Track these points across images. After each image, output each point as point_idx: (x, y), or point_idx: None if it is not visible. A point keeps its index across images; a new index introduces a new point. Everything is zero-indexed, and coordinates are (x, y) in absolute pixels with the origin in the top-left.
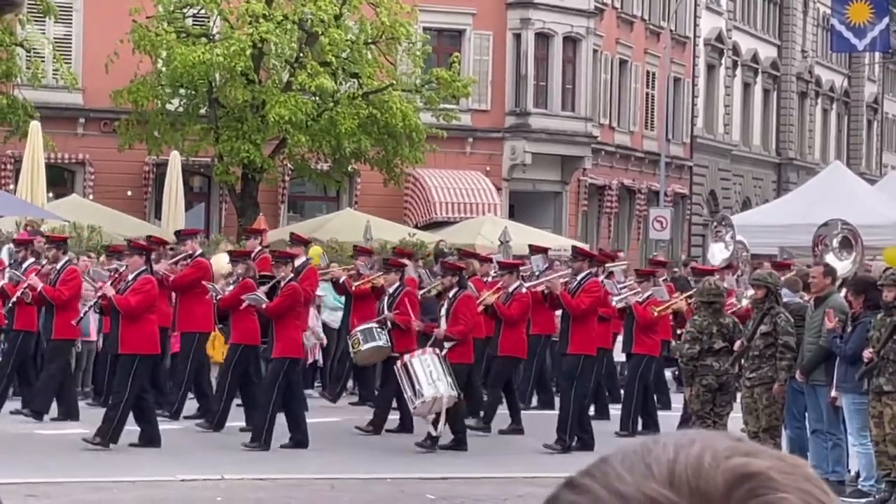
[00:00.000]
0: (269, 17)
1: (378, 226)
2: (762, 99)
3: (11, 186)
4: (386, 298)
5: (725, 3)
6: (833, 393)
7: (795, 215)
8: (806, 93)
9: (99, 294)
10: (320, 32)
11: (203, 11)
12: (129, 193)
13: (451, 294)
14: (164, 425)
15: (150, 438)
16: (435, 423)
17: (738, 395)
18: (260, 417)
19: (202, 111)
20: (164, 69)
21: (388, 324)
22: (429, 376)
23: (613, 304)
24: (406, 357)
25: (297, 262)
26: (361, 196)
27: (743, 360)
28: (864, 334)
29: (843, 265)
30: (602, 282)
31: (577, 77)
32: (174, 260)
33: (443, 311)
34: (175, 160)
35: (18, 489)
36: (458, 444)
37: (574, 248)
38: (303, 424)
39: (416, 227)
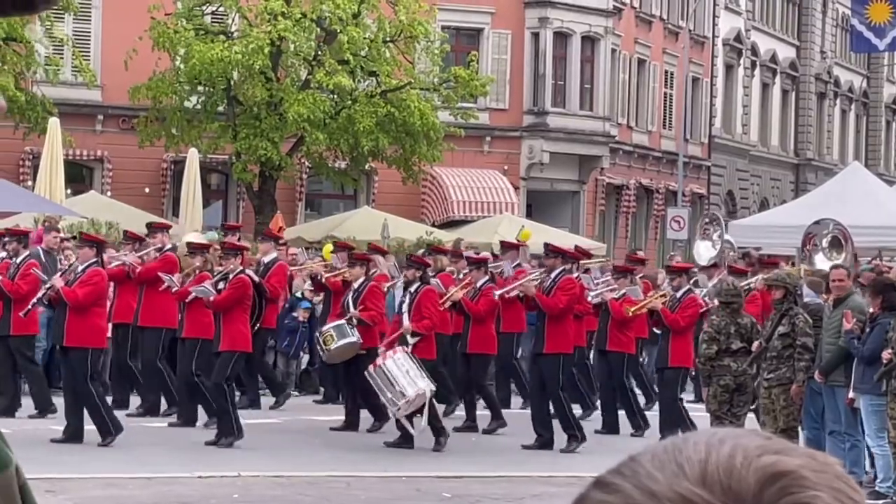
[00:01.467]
0: (287, 14)
1: (395, 224)
2: (780, 99)
3: (30, 183)
4: (351, 293)
5: (744, 3)
6: (851, 394)
7: (814, 216)
8: (825, 93)
9: (48, 285)
10: (339, 30)
11: (222, 9)
12: (147, 190)
13: (412, 289)
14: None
15: (74, 433)
16: (410, 419)
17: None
18: (224, 418)
19: (220, 109)
20: (182, 66)
21: (354, 321)
22: (406, 375)
23: (589, 299)
24: (378, 360)
25: (267, 259)
26: (379, 194)
27: (761, 361)
28: (883, 335)
29: (832, 265)
30: (578, 277)
31: (595, 76)
32: (142, 253)
33: (405, 307)
34: (193, 157)
35: (37, 484)
36: (441, 432)
37: (546, 244)
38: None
39: (433, 225)
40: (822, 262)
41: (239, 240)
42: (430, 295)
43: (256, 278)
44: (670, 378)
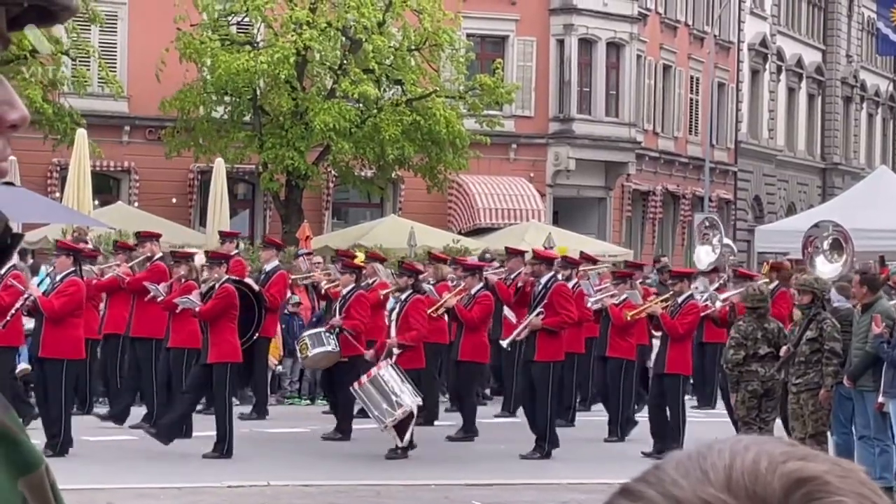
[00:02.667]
0: (312, 24)
1: (422, 232)
2: (807, 104)
3: (58, 194)
4: (338, 301)
5: (770, 8)
6: (880, 399)
7: (841, 220)
8: (851, 97)
9: (26, 295)
10: (364, 39)
11: (247, 19)
12: (174, 201)
13: (403, 297)
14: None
15: (59, 446)
16: (400, 433)
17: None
18: (220, 427)
19: (247, 118)
20: (208, 77)
21: (337, 329)
22: (391, 393)
23: (589, 305)
24: (363, 379)
25: (268, 267)
26: (405, 203)
27: (789, 366)
28: None
29: (833, 267)
30: (577, 284)
31: (620, 82)
32: (132, 263)
33: (393, 316)
34: (220, 167)
35: (66, 496)
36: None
37: (533, 250)
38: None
39: (459, 233)
40: (822, 265)
41: (237, 247)
42: (419, 304)
43: (256, 287)
44: (668, 385)
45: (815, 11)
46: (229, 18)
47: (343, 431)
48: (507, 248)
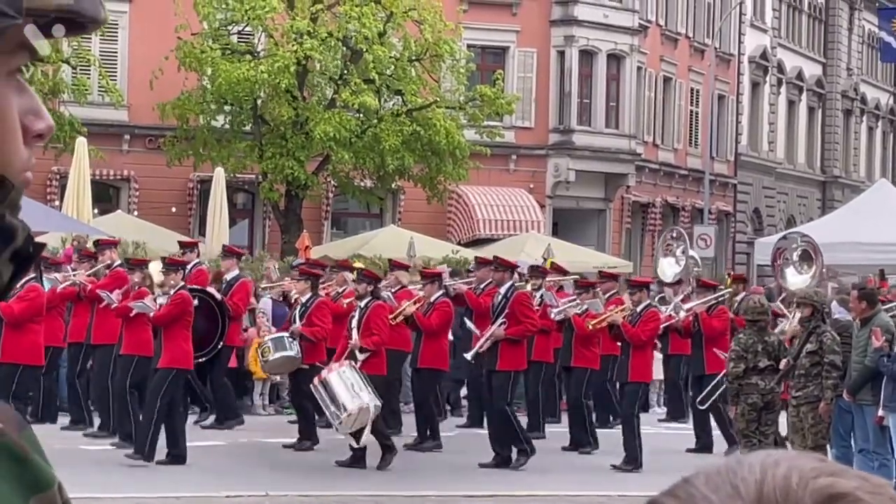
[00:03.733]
0: (313, 34)
1: (421, 243)
2: (807, 116)
3: (57, 203)
4: (298, 308)
5: (770, 21)
6: (880, 412)
7: (841, 233)
8: (851, 110)
9: None
10: (364, 50)
11: (248, 28)
12: (174, 210)
13: (363, 304)
14: (211, 441)
15: None
16: (356, 436)
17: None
18: (143, 429)
19: (247, 128)
20: (209, 86)
21: (297, 335)
22: (350, 389)
23: (552, 316)
24: (323, 373)
25: (230, 276)
26: (405, 213)
27: (789, 379)
28: None
29: (802, 279)
30: (541, 294)
31: (620, 94)
32: (91, 271)
33: (354, 322)
34: (219, 177)
35: None
36: (389, 449)
37: (495, 257)
38: (181, 440)
39: (459, 243)
40: (792, 276)
41: (198, 256)
42: (380, 310)
43: (218, 296)
44: (630, 393)
45: (815, 24)
46: (230, 28)
47: (307, 439)
48: (495, 258)
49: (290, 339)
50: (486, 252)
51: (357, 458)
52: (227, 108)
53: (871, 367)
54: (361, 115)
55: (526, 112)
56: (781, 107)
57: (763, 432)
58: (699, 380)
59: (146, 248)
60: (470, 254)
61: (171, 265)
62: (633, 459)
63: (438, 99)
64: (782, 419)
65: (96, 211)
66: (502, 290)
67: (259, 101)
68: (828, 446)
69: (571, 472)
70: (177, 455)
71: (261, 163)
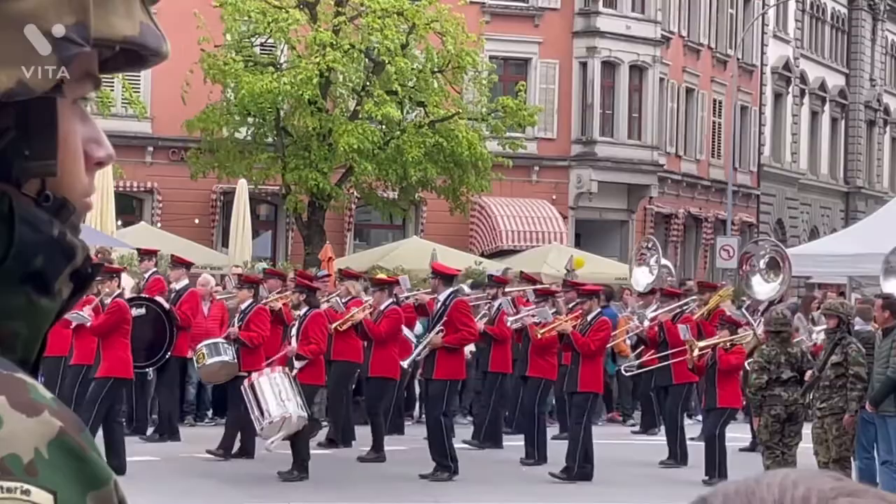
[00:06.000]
0: (335, 46)
1: (444, 254)
2: (830, 127)
3: None
4: (237, 315)
5: (793, 32)
6: None
7: (864, 244)
8: (874, 121)
9: None
10: (387, 61)
11: (270, 40)
12: (197, 221)
13: (301, 312)
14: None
15: None
16: (293, 446)
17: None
18: None
19: (269, 139)
20: (232, 98)
21: (233, 340)
22: (277, 396)
23: (508, 325)
24: (253, 376)
25: (178, 286)
26: (427, 224)
27: (813, 391)
28: None
29: (770, 287)
30: (499, 303)
31: (643, 105)
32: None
33: (293, 331)
34: (242, 188)
35: None
36: (301, 468)
37: (431, 265)
38: (122, 451)
39: (482, 255)
40: (759, 284)
41: (156, 265)
42: (318, 319)
43: (167, 305)
44: (579, 403)
45: (838, 35)
46: (253, 40)
47: (225, 449)
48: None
49: (226, 345)
50: (509, 264)
51: (300, 467)
52: (250, 119)
53: (893, 377)
54: (384, 127)
55: (548, 123)
56: (804, 117)
57: (786, 444)
58: (665, 390)
59: (169, 260)
60: (493, 265)
61: (106, 272)
62: (569, 469)
63: (461, 110)
64: (806, 430)
65: (120, 223)
66: (441, 297)
67: (282, 113)
68: (852, 458)
69: (524, 482)
70: (116, 466)
71: (284, 174)
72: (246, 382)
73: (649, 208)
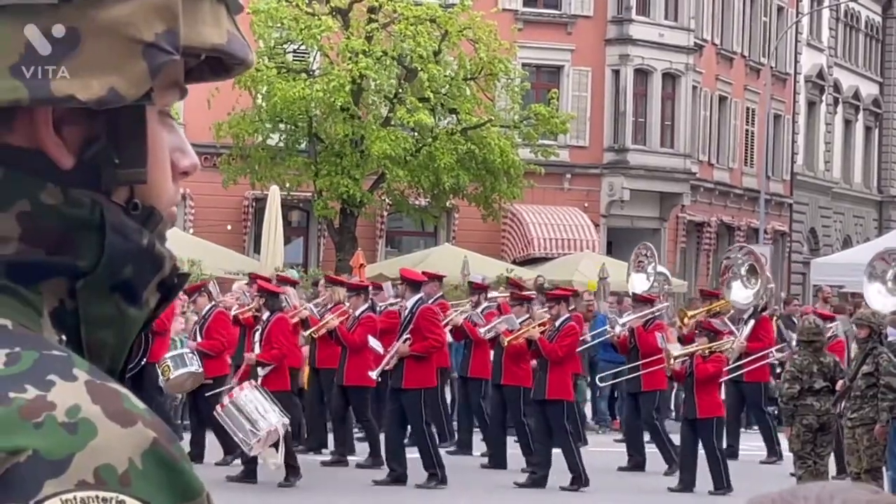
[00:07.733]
0: (368, 53)
1: (476, 261)
2: (863, 136)
3: None
4: (198, 322)
5: (826, 40)
6: None
7: None
8: None
9: None
10: (419, 68)
11: (303, 47)
12: (229, 228)
13: (264, 317)
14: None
15: None
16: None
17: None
18: None
19: (301, 146)
20: (264, 104)
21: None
22: (255, 411)
23: (481, 333)
24: (225, 400)
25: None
26: (459, 231)
27: (845, 401)
28: None
29: (748, 293)
30: (469, 316)
31: (676, 113)
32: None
33: (256, 336)
34: (274, 195)
35: None
36: (294, 471)
37: (401, 272)
38: None
39: (513, 262)
40: (738, 289)
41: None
42: (281, 324)
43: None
44: (551, 412)
45: (872, 44)
46: (285, 46)
47: (231, 451)
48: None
49: (191, 355)
50: (541, 271)
51: (249, 473)
52: (281, 126)
53: None
54: (416, 134)
55: (580, 131)
56: (838, 126)
57: (818, 454)
58: (634, 397)
59: (202, 267)
60: (524, 272)
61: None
62: (577, 479)
63: (493, 118)
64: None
65: None
66: (409, 304)
67: (314, 120)
68: (883, 468)
69: (496, 490)
70: None
71: (316, 181)
72: (219, 408)
73: (681, 217)
